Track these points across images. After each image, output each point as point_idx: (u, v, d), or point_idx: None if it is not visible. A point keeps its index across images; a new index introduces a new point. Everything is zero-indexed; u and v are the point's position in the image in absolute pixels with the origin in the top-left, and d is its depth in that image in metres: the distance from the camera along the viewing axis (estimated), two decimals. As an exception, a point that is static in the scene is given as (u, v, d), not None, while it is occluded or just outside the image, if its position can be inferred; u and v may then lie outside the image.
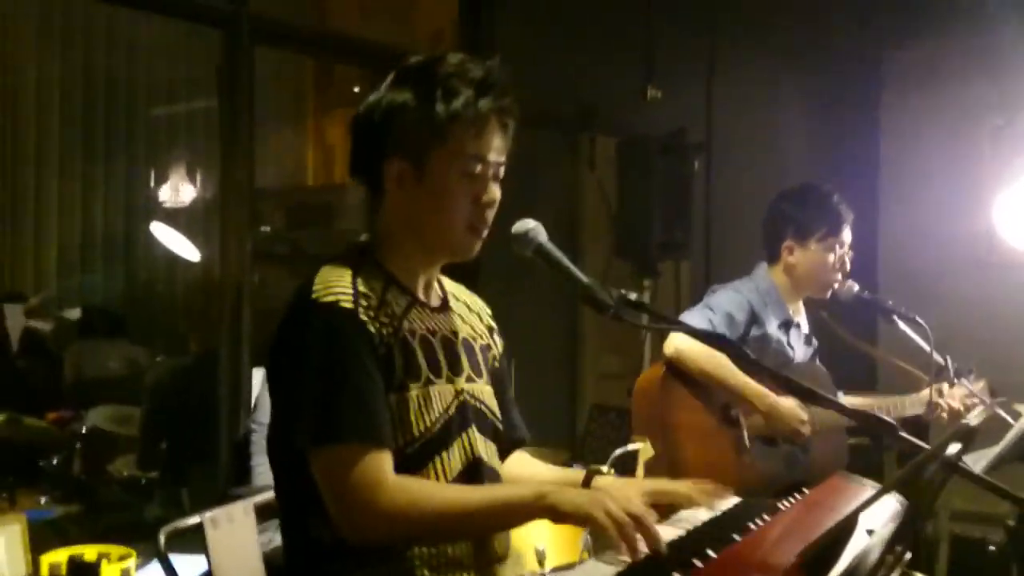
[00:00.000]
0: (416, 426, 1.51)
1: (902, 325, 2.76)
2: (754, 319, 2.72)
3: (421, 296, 1.61)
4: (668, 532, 1.56)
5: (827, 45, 5.57)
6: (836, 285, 2.80)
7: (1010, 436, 2.42)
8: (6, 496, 2.92)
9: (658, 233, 4.00)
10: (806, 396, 1.56)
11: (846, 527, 1.34)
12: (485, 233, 1.59)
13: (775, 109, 5.59)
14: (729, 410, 2.66)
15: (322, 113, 6.61)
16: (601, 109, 4.50)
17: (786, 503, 1.65)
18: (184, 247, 5.10)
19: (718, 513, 1.70)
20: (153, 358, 4.81)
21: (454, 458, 1.55)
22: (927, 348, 2.72)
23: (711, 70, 5.08)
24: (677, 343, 2.61)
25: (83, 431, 3.62)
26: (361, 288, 1.51)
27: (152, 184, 6.31)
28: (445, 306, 1.67)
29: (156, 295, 6.05)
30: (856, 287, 2.82)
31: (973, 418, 2.30)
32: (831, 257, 2.76)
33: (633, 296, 1.57)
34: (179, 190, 6.21)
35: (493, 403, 1.67)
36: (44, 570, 2.45)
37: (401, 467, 1.47)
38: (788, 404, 2.61)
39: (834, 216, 2.77)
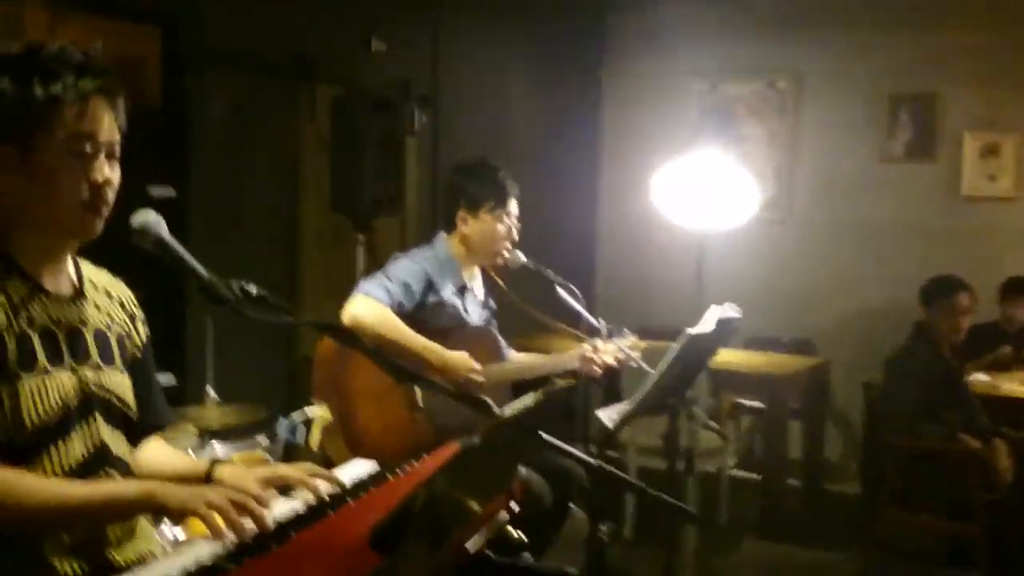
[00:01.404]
0: (30, 417, 1.52)
1: (560, 292, 3.05)
2: (431, 286, 2.90)
3: (47, 284, 1.61)
4: (287, 506, 1.69)
5: (553, 6, 5.80)
6: (506, 253, 3.03)
7: (640, 392, 2.76)
8: None
9: (370, 189, 4.08)
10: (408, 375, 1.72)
11: (414, 500, 1.51)
12: (106, 211, 1.61)
13: (502, 67, 5.77)
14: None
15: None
16: (324, 59, 4.48)
17: (398, 472, 1.82)
18: None
19: (346, 483, 1.84)
20: None
21: (74, 447, 1.58)
22: (581, 310, 3.04)
23: (438, 25, 5.17)
24: (353, 310, 2.74)
25: None
26: None
27: None
28: (78, 294, 1.67)
29: None
30: (523, 257, 3.07)
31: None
32: (500, 227, 2.99)
33: (254, 290, 1.63)
34: None
35: (125, 392, 1.70)
36: None
37: (11, 458, 1.49)
38: (459, 356, 2.82)
39: (501, 189, 2.99)
